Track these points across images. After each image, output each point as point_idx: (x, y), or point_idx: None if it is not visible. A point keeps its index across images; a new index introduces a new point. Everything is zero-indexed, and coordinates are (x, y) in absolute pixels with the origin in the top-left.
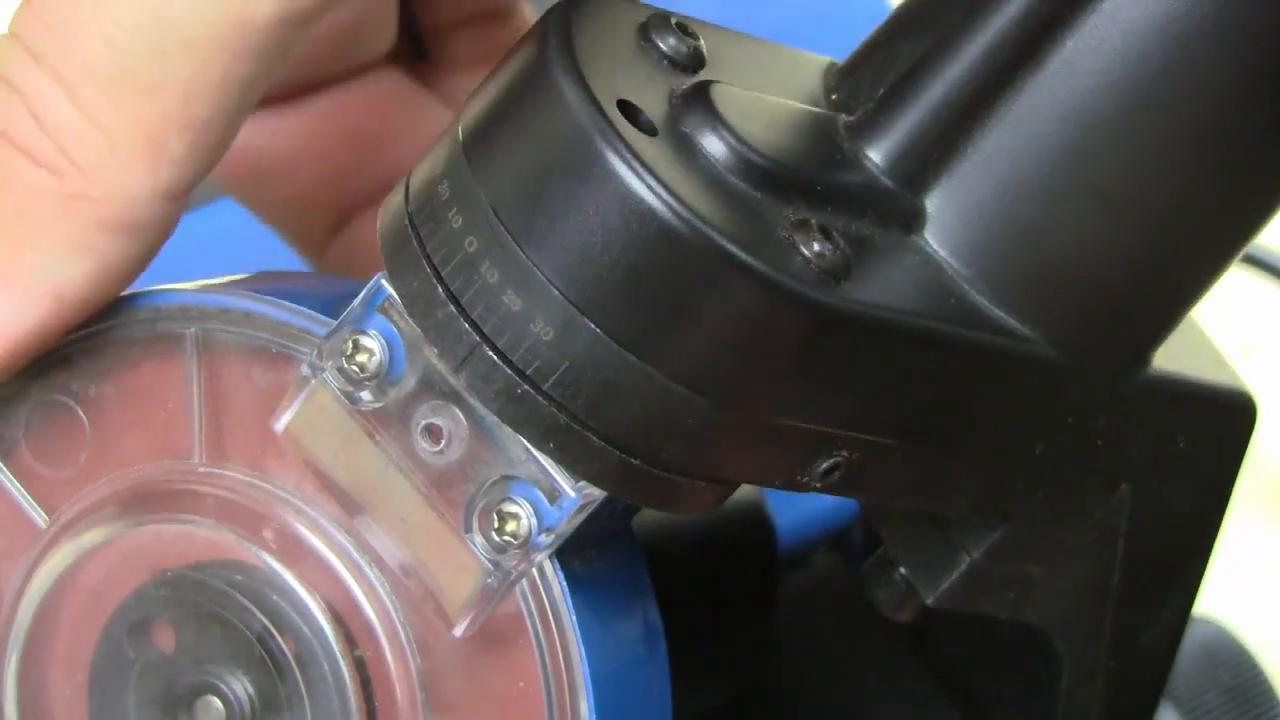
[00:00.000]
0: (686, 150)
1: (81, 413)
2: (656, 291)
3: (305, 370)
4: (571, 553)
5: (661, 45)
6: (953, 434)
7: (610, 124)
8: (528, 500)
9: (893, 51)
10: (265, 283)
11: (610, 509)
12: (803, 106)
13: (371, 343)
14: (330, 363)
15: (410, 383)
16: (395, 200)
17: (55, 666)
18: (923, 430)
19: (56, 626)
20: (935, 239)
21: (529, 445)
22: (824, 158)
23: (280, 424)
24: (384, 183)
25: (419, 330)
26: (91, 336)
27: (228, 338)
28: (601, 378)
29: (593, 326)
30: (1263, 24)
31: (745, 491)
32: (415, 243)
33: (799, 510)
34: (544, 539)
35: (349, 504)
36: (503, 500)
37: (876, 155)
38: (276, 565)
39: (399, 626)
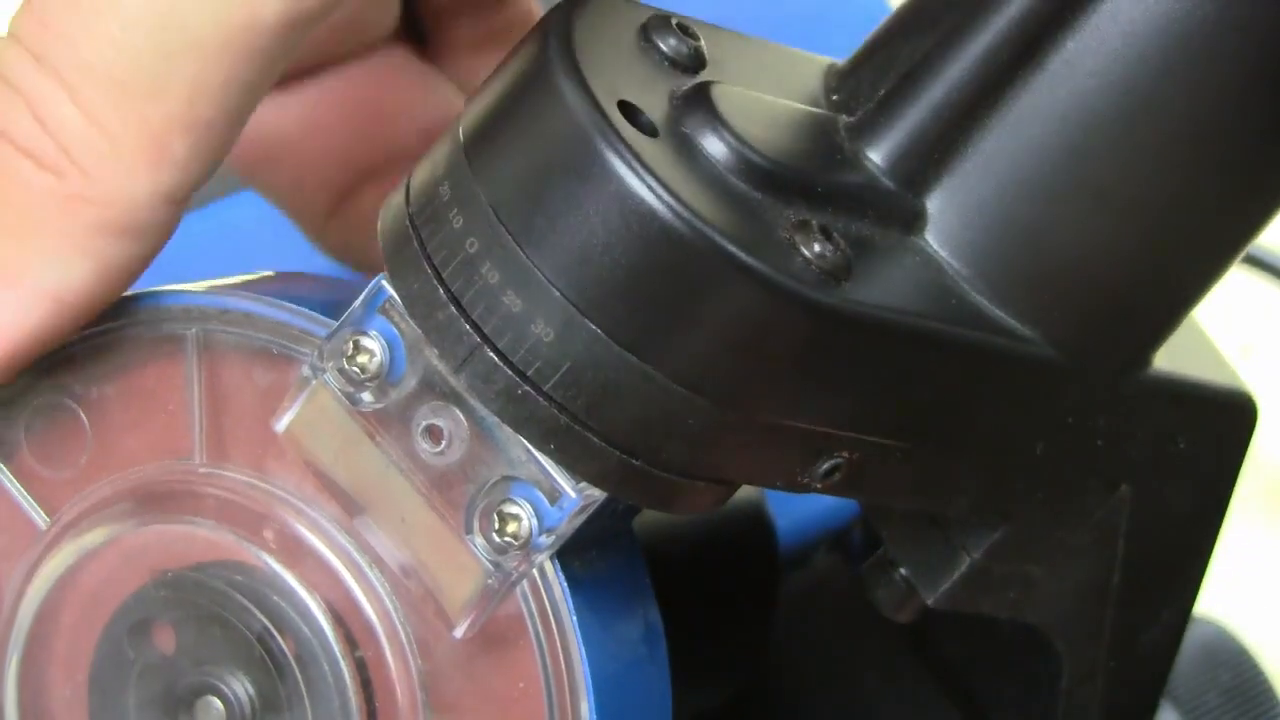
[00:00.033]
0: (687, 151)
1: (82, 413)
2: (657, 292)
3: (306, 371)
4: (572, 553)
5: (662, 46)
6: (953, 434)
7: (611, 125)
8: (528, 501)
9: (893, 52)
10: (266, 284)
11: (611, 510)
12: (803, 107)
13: (372, 344)
14: (331, 363)
15: (411, 383)
16: (396, 201)
17: (56, 667)
18: (923, 431)
19: (57, 627)
20: (936, 239)
21: (529, 446)
22: (824, 158)
23: (281, 424)
24: (386, 158)
25: (420, 331)
26: (92, 337)
27: (228, 339)
28: (602, 378)
29: (593, 327)
30: (1263, 24)
31: (745, 492)
32: (416, 243)
33: (799, 510)
34: (545, 540)
35: (349, 505)
36: (503, 501)
37: (877, 156)
38: (277, 566)
39: (399, 627)
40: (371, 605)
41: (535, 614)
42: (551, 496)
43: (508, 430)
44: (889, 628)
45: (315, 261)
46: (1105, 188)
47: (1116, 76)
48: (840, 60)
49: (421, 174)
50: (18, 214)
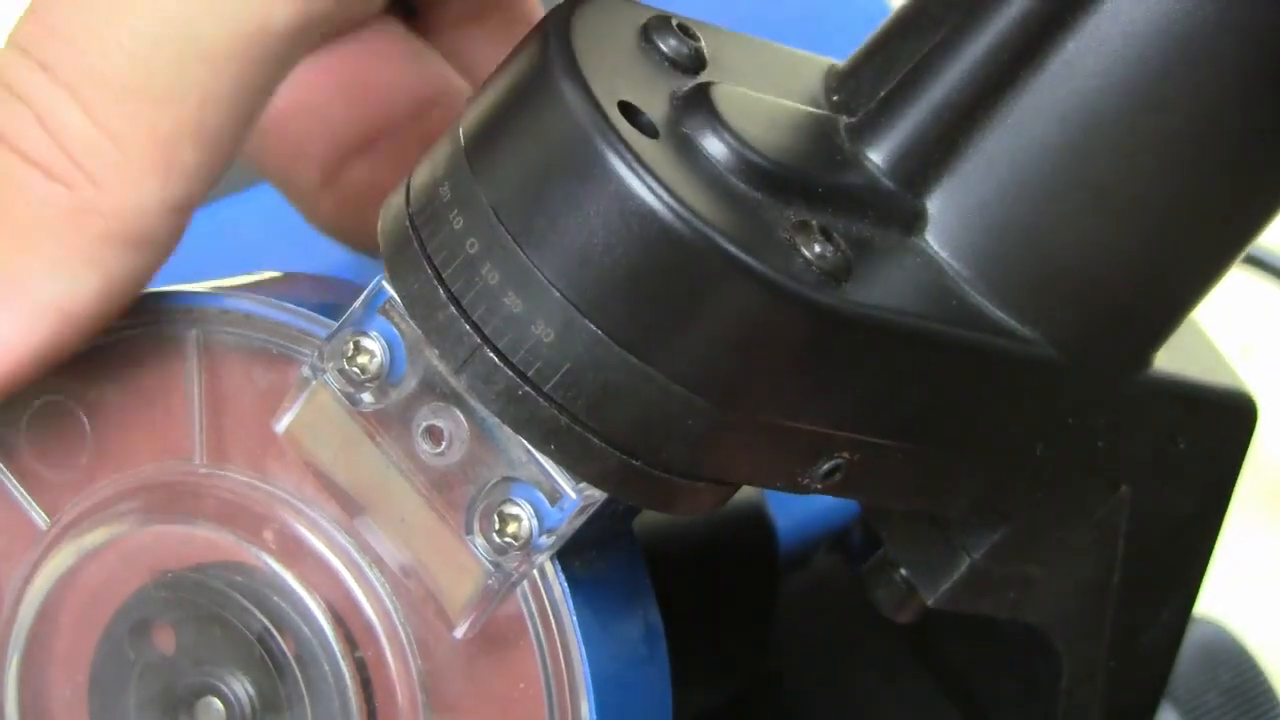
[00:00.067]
0: (687, 151)
1: (82, 414)
2: (657, 293)
3: (306, 371)
4: (572, 554)
5: (662, 47)
6: (953, 435)
7: (611, 125)
8: (528, 501)
9: (893, 53)
10: (266, 284)
11: (611, 510)
12: (804, 108)
13: (372, 344)
14: (331, 364)
15: (411, 384)
16: (396, 201)
17: (56, 667)
18: (923, 431)
19: (57, 627)
20: (936, 240)
21: (530, 447)
22: (825, 159)
23: (281, 425)
24: (377, 131)
25: (420, 332)
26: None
27: (229, 339)
28: (602, 379)
29: (593, 328)
30: (1263, 25)
31: (745, 492)
32: (416, 244)
33: (799, 510)
34: (545, 540)
35: (349, 505)
36: (503, 501)
37: (877, 156)
38: (277, 566)
39: (399, 627)
40: (372, 605)
41: (535, 614)
42: (552, 497)
43: (508, 431)
44: (889, 628)
45: (315, 262)
46: (1106, 188)
47: (1117, 77)
48: (840, 61)
49: (421, 174)
50: (24, 225)
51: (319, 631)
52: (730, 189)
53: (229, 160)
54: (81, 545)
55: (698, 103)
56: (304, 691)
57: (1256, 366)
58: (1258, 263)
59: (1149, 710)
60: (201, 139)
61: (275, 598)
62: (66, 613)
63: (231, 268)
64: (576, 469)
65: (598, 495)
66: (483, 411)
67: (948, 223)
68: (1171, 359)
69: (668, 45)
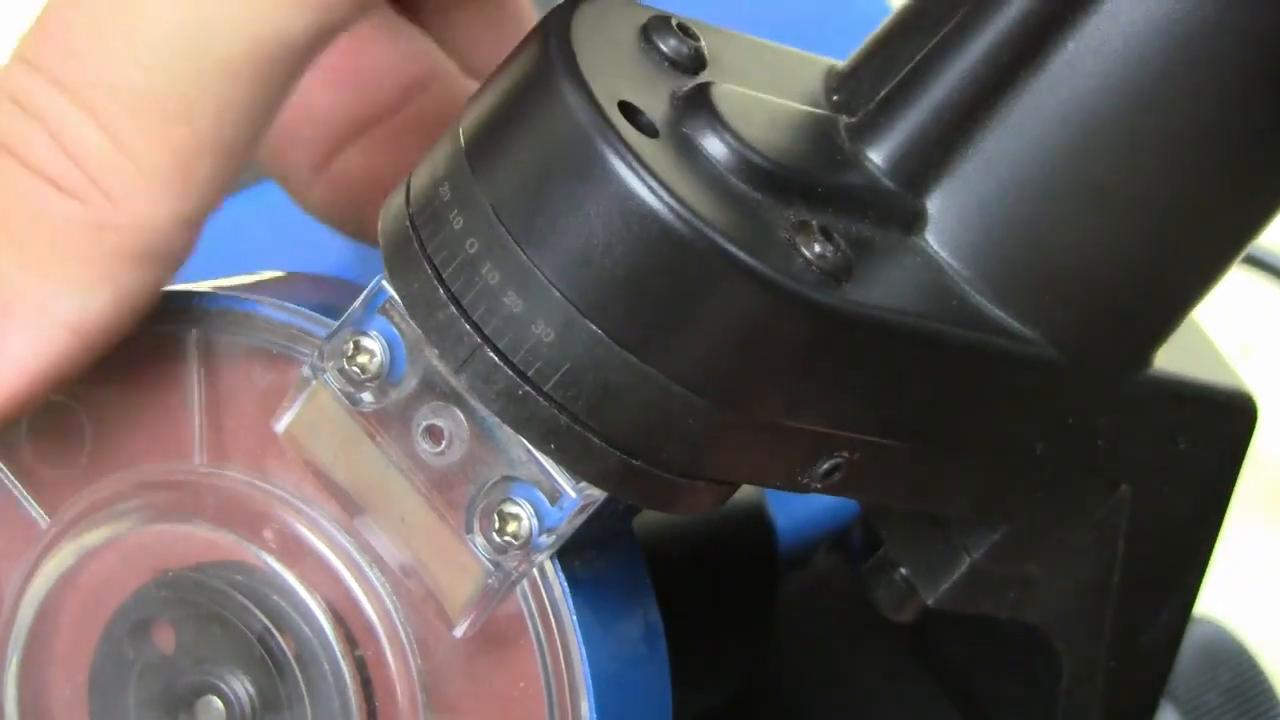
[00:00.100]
0: (687, 152)
1: (82, 413)
2: (657, 293)
3: (306, 371)
4: (572, 553)
5: (662, 47)
6: (953, 435)
7: (611, 125)
8: (528, 501)
9: (894, 53)
10: (267, 284)
11: (611, 509)
12: (804, 108)
13: (372, 344)
14: (331, 364)
15: (411, 384)
16: (396, 201)
17: (56, 667)
18: (923, 431)
19: (57, 626)
20: (936, 240)
21: (530, 446)
22: (825, 159)
23: (281, 425)
24: (368, 116)
25: (420, 331)
26: None
27: (229, 339)
28: (602, 379)
29: (593, 328)
30: (1263, 25)
31: (745, 492)
32: (416, 244)
33: (799, 510)
34: (545, 539)
35: (349, 504)
36: (503, 501)
37: (877, 156)
38: (277, 565)
39: (399, 627)
40: (372, 605)
41: (535, 613)
42: (552, 496)
43: (508, 430)
44: (889, 628)
45: (315, 262)
46: (1106, 188)
47: (1117, 77)
48: (841, 61)
49: (422, 174)
50: (37, 241)
51: (319, 631)
52: (730, 189)
53: (239, 173)
54: (81, 544)
55: (698, 103)
56: (304, 691)
57: (1256, 366)
58: (1258, 263)
59: (1149, 710)
60: (217, 151)
61: (275, 597)
62: (66, 612)
63: (231, 268)
64: (576, 468)
65: (597, 495)
66: (483, 411)
67: (948, 223)
68: (1171, 359)
69: (668, 45)
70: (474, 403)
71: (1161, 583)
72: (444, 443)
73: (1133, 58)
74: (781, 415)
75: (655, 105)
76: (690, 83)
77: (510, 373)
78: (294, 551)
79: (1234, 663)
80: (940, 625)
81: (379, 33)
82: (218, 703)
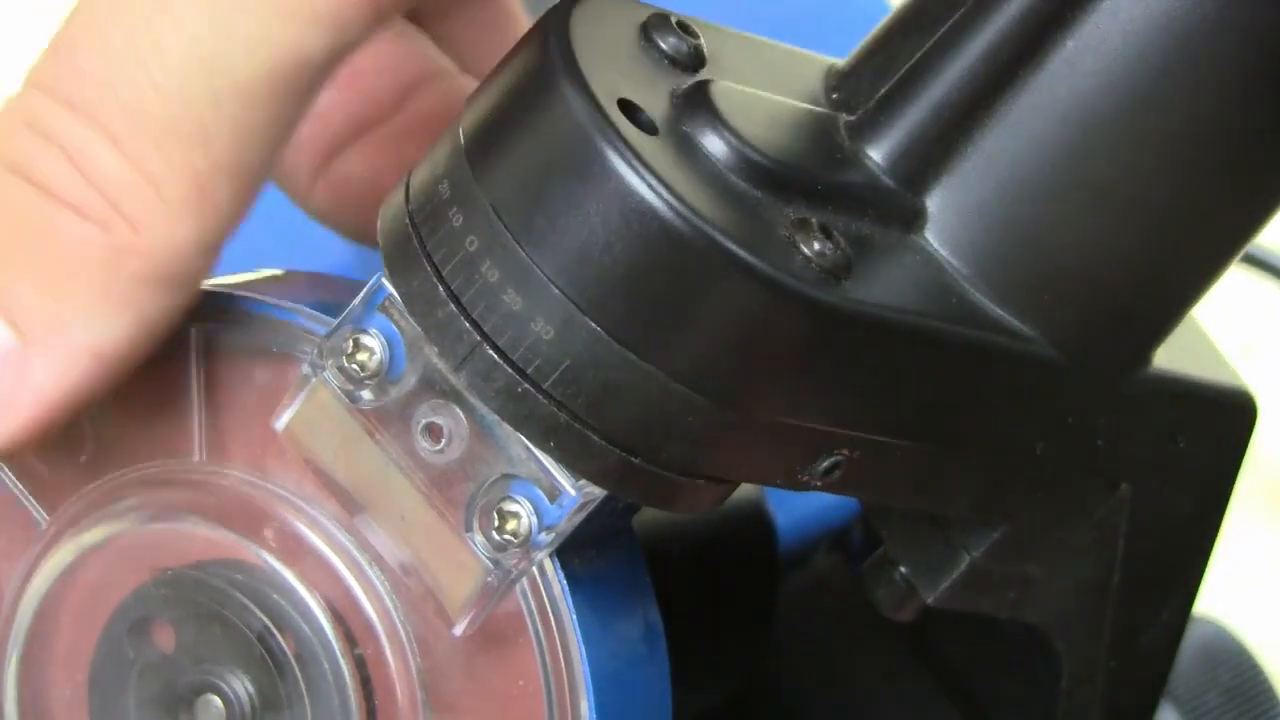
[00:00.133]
0: (687, 149)
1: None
2: (657, 290)
3: (306, 369)
4: (571, 551)
5: (662, 44)
6: (953, 433)
7: (611, 123)
8: (528, 499)
9: (893, 51)
10: (266, 283)
11: (610, 508)
12: (803, 106)
13: (372, 341)
14: (331, 361)
15: (411, 381)
16: (396, 199)
17: (55, 666)
18: (923, 429)
19: (57, 626)
20: (936, 238)
21: (529, 444)
22: (824, 157)
23: (280, 423)
24: (367, 117)
25: (419, 329)
26: None
27: (228, 337)
28: (602, 377)
29: (593, 325)
30: (1263, 24)
31: (745, 491)
32: (416, 242)
33: (799, 510)
34: (544, 537)
35: (349, 503)
36: (503, 499)
37: (877, 155)
38: (277, 564)
39: (399, 625)
40: (371, 603)
41: (535, 612)
42: (551, 494)
43: (507, 428)
44: (889, 627)
45: (315, 260)
46: (1105, 187)
47: (1116, 76)
48: (840, 59)
49: (421, 172)
50: (57, 267)
51: (319, 629)
52: (730, 187)
53: (258, 193)
54: (81, 543)
55: (697, 101)
56: (304, 690)
57: (1256, 366)
58: (1258, 263)
59: (1149, 710)
60: (236, 173)
61: (275, 596)
62: (66, 611)
63: (231, 267)
64: (576, 466)
65: (597, 493)
66: (482, 409)
67: (947, 221)
68: (1171, 358)
69: (667, 43)
70: (473, 400)
71: (1161, 582)
72: (443, 440)
73: (1132, 56)
74: (781, 413)
75: (655, 103)
76: (690, 81)
77: (510, 370)
78: (294, 550)
79: (1234, 663)
80: (940, 625)
81: (379, 37)
82: (217, 702)
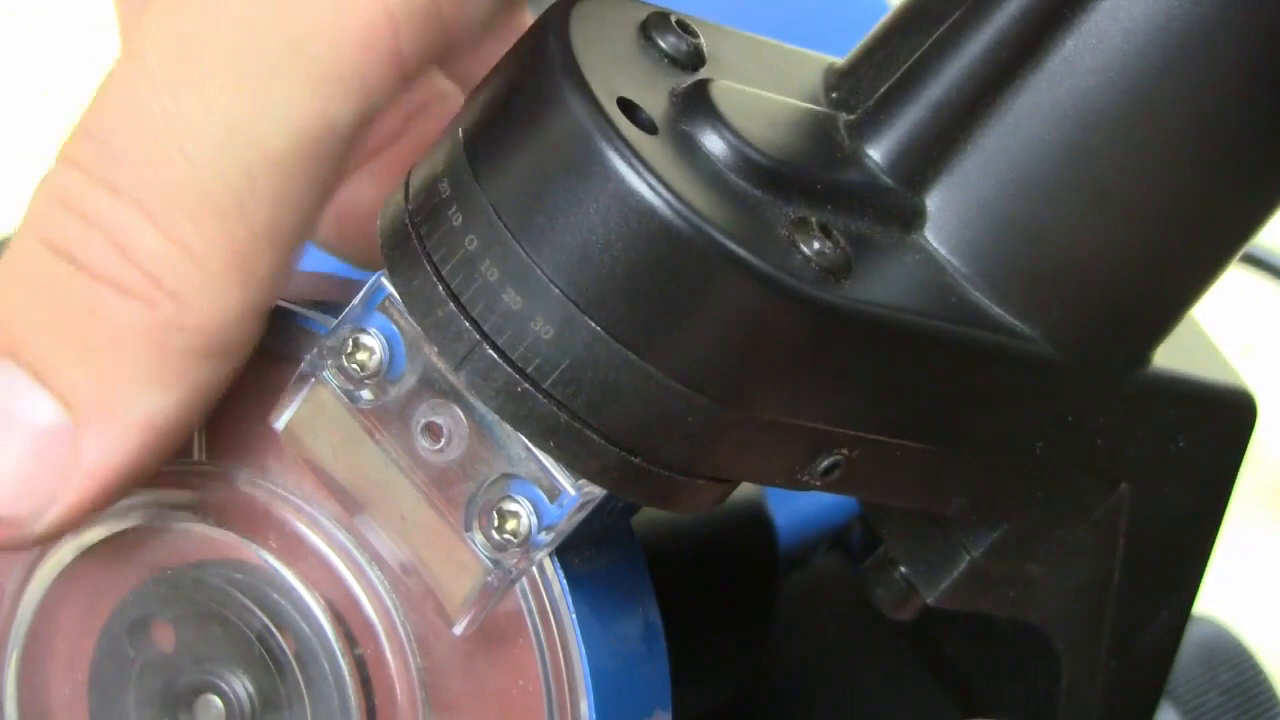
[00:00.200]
0: (687, 148)
1: None
2: (656, 290)
3: (305, 368)
4: (571, 551)
5: (661, 44)
6: (953, 432)
7: (610, 122)
8: (528, 498)
9: (893, 50)
10: None
11: (610, 507)
12: (803, 105)
13: (371, 341)
14: (330, 361)
15: (410, 381)
16: (395, 199)
17: (55, 665)
18: (922, 429)
19: (56, 625)
20: (935, 237)
21: (529, 443)
22: (824, 156)
23: (280, 422)
24: (373, 146)
25: (419, 328)
26: None
27: None
28: (601, 376)
29: (593, 325)
30: (1263, 23)
31: (745, 490)
32: (415, 241)
33: (799, 509)
34: (544, 537)
35: (349, 502)
36: (503, 498)
37: (877, 154)
38: (276, 564)
39: (399, 625)
40: (371, 603)
41: (535, 611)
42: (551, 494)
43: (507, 428)
44: (889, 627)
45: (315, 260)
46: (1105, 186)
47: (1116, 74)
48: (840, 58)
49: (421, 172)
50: (106, 347)
51: (318, 629)
52: (729, 186)
53: (301, 253)
54: (81, 542)
55: (697, 100)
56: (303, 689)
57: (1256, 366)
58: (1258, 263)
59: (1149, 710)
60: (275, 242)
61: (275, 595)
62: (66, 610)
63: None
64: (575, 466)
65: (597, 492)
66: (482, 408)
67: (947, 220)
68: (1171, 357)
69: (666, 42)
70: (473, 400)
71: (1161, 582)
72: (443, 440)
73: (1132, 54)
74: (780, 412)
75: (654, 102)
76: (689, 80)
77: (509, 370)
78: (293, 550)
79: (1234, 663)
80: (940, 625)
81: None
82: (217, 701)
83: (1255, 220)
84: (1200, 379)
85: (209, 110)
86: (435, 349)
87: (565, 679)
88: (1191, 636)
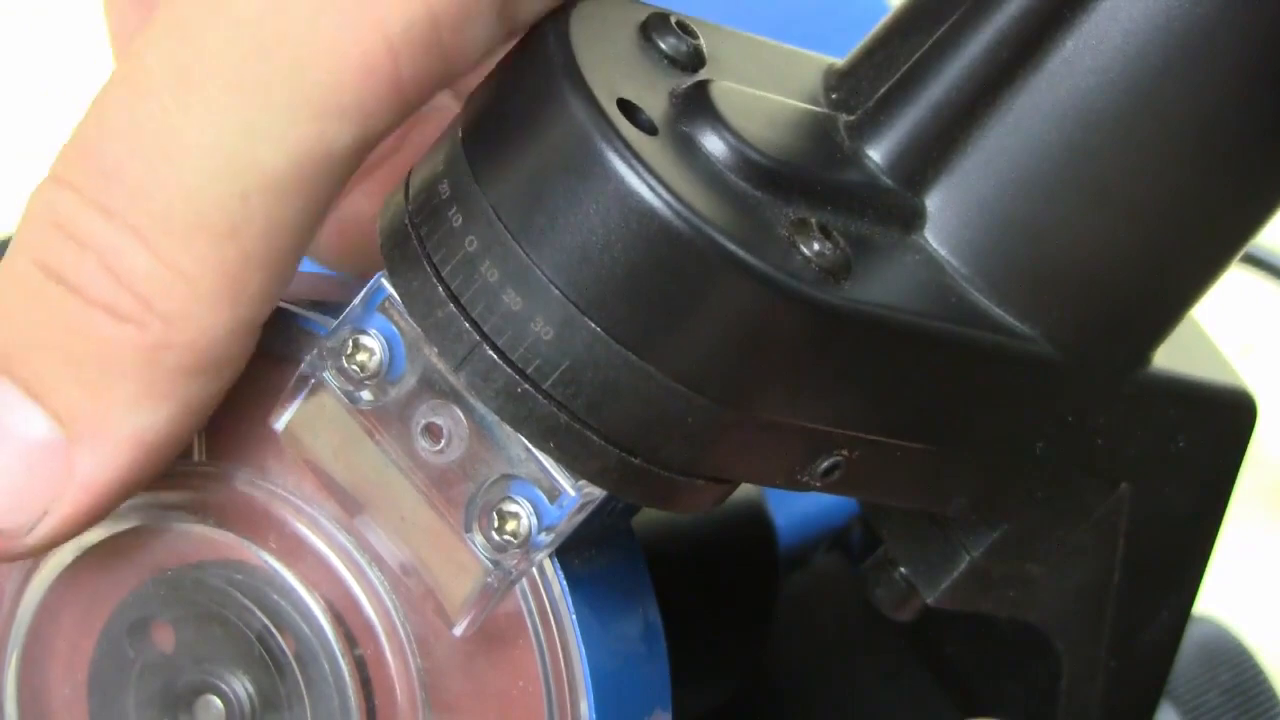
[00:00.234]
0: (687, 149)
1: None
2: (656, 290)
3: (305, 369)
4: (571, 551)
5: (661, 44)
6: (953, 433)
7: (610, 123)
8: (528, 499)
9: (892, 50)
10: None
11: (610, 507)
12: (803, 105)
13: (371, 342)
14: (330, 362)
15: (410, 382)
16: (395, 199)
17: (55, 666)
18: (922, 429)
19: (57, 625)
20: (935, 238)
21: (529, 444)
22: (824, 157)
23: (280, 423)
24: (372, 162)
25: (419, 329)
26: None
27: None
28: (601, 377)
29: (593, 325)
30: (1263, 23)
31: (745, 491)
32: (415, 242)
33: (799, 510)
34: (544, 538)
35: (349, 503)
36: (503, 499)
37: (876, 154)
38: (277, 564)
39: (399, 625)
40: (371, 604)
41: (535, 612)
42: (551, 495)
43: (507, 428)
44: (889, 627)
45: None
46: (1105, 186)
47: (1116, 74)
48: (840, 59)
49: (421, 172)
50: (97, 367)
51: (318, 630)
52: (729, 187)
53: (294, 272)
54: (80, 542)
55: (697, 100)
56: (303, 690)
57: (1256, 366)
58: (1258, 263)
59: (1149, 710)
60: (267, 264)
61: (275, 596)
62: (66, 611)
63: None
64: (575, 467)
65: (597, 493)
66: (482, 409)
67: (947, 220)
68: (1171, 357)
69: (666, 43)
70: (473, 401)
71: (1161, 582)
72: (443, 441)
73: (1132, 54)
74: (780, 413)
75: (654, 103)
76: (689, 80)
77: (509, 370)
78: (294, 550)
79: (1234, 663)
80: (940, 625)
81: None
82: (217, 702)
83: (1255, 221)
84: (1200, 379)
85: (205, 133)
86: (435, 350)
87: (565, 679)
88: (1191, 636)
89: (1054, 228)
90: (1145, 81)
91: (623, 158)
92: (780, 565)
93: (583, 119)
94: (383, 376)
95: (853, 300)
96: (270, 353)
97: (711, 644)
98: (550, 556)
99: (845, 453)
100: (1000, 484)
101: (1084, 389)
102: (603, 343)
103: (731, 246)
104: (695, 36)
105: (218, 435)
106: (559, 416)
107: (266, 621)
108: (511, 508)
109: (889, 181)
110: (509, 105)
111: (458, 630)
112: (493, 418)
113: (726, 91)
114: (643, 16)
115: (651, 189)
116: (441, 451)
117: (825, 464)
